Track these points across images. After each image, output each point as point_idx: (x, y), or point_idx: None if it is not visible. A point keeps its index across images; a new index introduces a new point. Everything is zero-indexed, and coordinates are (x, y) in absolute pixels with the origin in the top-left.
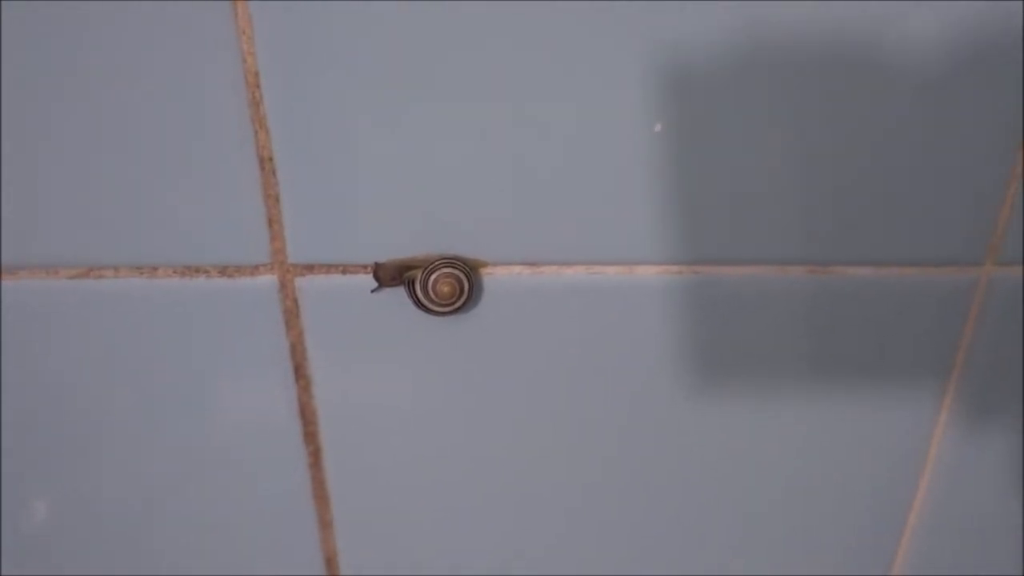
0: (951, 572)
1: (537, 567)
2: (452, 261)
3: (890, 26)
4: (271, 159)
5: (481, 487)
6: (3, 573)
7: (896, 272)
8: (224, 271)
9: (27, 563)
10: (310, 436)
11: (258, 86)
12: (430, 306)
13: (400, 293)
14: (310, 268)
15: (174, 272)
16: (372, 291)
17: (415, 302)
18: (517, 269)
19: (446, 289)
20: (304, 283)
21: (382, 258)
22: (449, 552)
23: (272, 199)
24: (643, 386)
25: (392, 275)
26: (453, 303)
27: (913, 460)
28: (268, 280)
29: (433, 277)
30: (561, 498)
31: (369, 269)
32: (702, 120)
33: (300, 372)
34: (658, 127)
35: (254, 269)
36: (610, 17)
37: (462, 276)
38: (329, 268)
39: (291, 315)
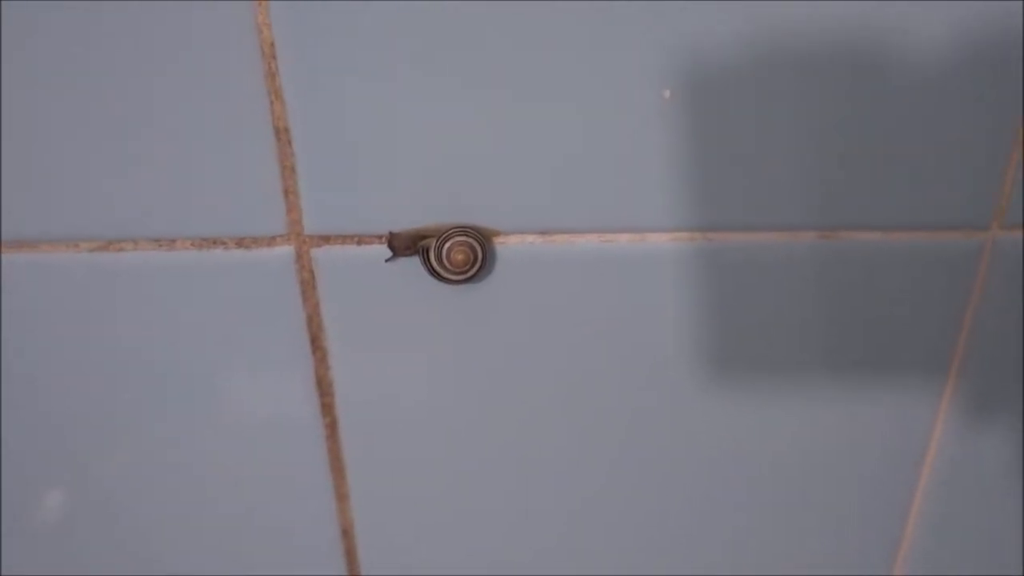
0: (954, 566)
1: (551, 538)
2: (466, 229)
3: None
4: (287, 130)
5: (495, 457)
6: (3, 573)
7: (904, 236)
8: (241, 243)
9: (39, 545)
10: (327, 408)
11: (274, 57)
12: (444, 274)
13: (415, 263)
14: (326, 239)
15: (192, 244)
16: (387, 260)
17: (429, 271)
18: (529, 238)
19: (460, 257)
20: (320, 254)
21: (396, 228)
22: (465, 523)
23: (288, 170)
24: (654, 353)
25: (406, 244)
26: (467, 271)
27: (917, 438)
28: (285, 251)
29: (447, 245)
30: (573, 468)
31: (384, 239)
32: (711, 86)
33: (316, 343)
34: (667, 93)
35: (271, 240)
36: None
37: (476, 244)
38: (344, 239)
39: (307, 286)
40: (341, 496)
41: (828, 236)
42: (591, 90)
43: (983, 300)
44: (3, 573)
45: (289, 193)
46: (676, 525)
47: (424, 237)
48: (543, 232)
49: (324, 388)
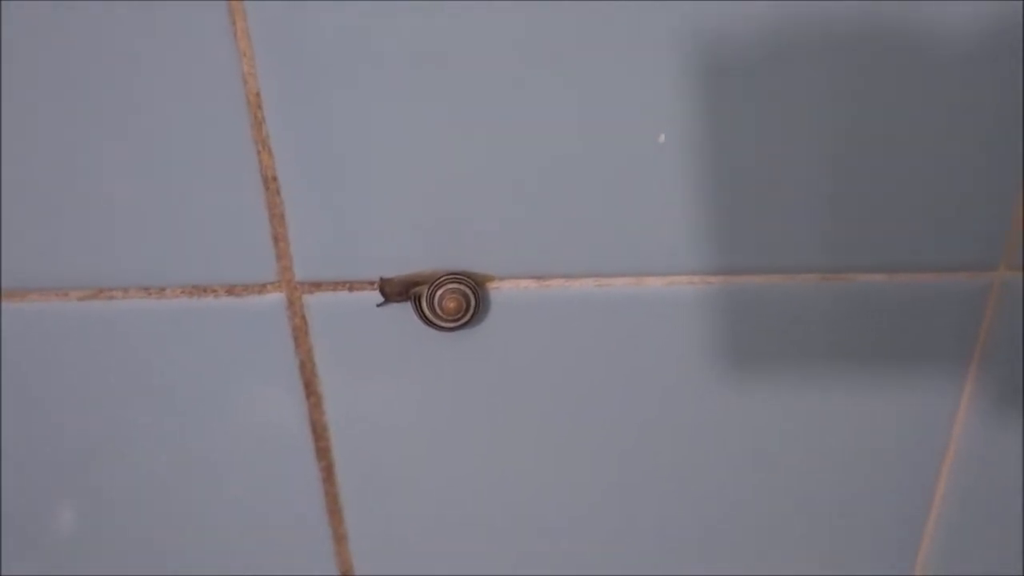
0: (975, 568)
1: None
2: (458, 276)
3: (896, 35)
4: (275, 179)
5: (492, 501)
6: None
7: (909, 278)
8: (232, 290)
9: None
10: (322, 452)
11: (260, 107)
12: (436, 322)
13: (407, 308)
14: (317, 285)
15: (182, 292)
16: (378, 305)
17: (422, 318)
18: (524, 283)
19: (452, 305)
20: (312, 300)
21: (389, 274)
22: (463, 565)
23: (277, 218)
24: (653, 399)
25: (398, 291)
26: (459, 319)
27: (931, 465)
28: (276, 298)
29: (439, 293)
30: (572, 514)
31: (376, 285)
32: (709, 129)
33: (311, 389)
34: (662, 138)
35: (262, 287)
36: (615, 27)
37: (468, 292)
38: (336, 285)
39: (300, 332)
40: (339, 538)
41: (831, 279)
42: (584, 134)
43: (991, 340)
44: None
45: (279, 240)
46: (683, 532)
47: (417, 283)
48: (538, 277)
49: (319, 432)
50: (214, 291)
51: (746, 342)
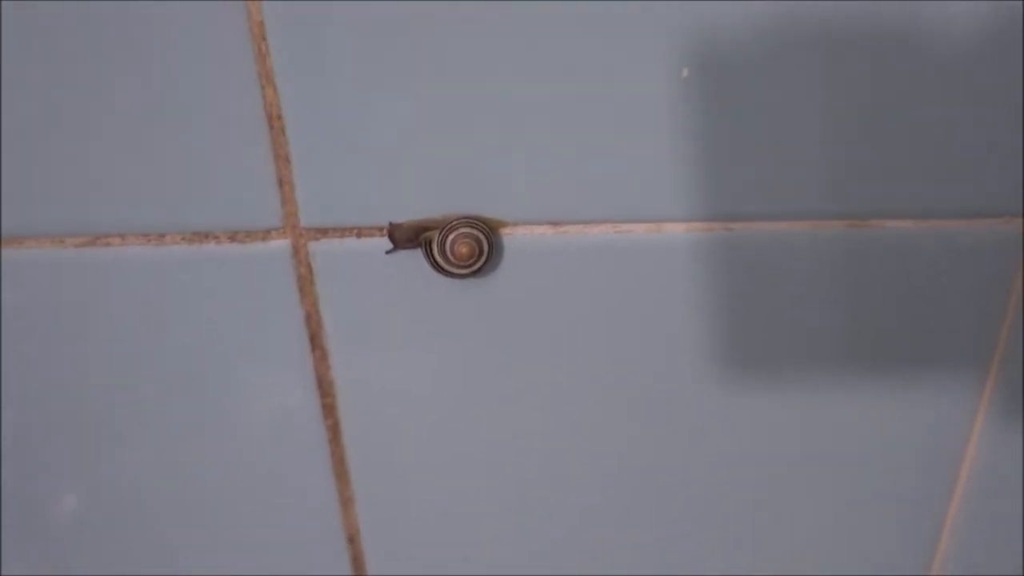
0: (992, 568)
1: (561, 538)
2: (471, 221)
3: None
4: (280, 117)
5: (503, 456)
6: (5, 572)
7: (939, 224)
8: (234, 236)
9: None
10: (328, 409)
11: (264, 38)
12: (448, 268)
13: (417, 256)
14: (324, 232)
15: (182, 239)
16: (387, 252)
17: (432, 264)
18: (539, 229)
19: (464, 250)
20: (318, 247)
21: (398, 219)
22: (472, 525)
23: (282, 159)
24: (671, 349)
25: (408, 236)
26: (472, 264)
27: (956, 436)
28: (280, 245)
29: (451, 238)
30: (585, 467)
31: (385, 231)
32: (731, 69)
33: (316, 342)
34: (685, 72)
35: (266, 234)
36: None
37: (481, 236)
38: (343, 231)
39: (305, 281)
40: (346, 501)
41: (856, 225)
42: (603, 74)
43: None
44: (4, 572)
45: (284, 184)
46: (701, 524)
47: (427, 229)
48: (554, 223)
49: (325, 389)
50: (215, 237)
51: (766, 293)
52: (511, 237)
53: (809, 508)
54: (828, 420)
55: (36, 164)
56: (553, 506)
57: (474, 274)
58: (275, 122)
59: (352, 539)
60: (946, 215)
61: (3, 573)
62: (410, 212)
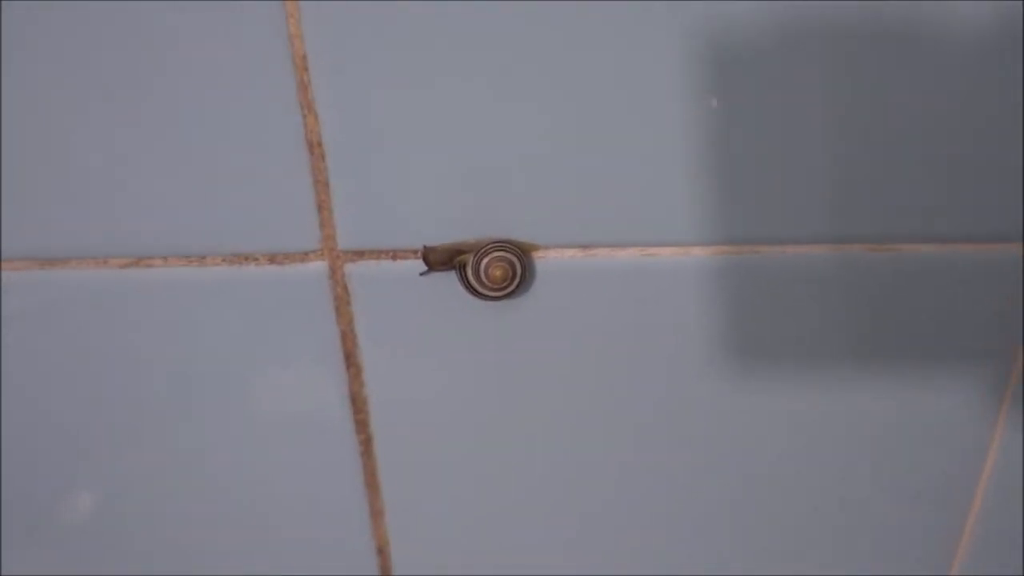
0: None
1: (588, 555)
2: (504, 244)
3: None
4: (320, 144)
5: (532, 474)
6: (6, 572)
7: (957, 248)
8: (274, 259)
9: (67, 554)
10: (361, 425)
11: (306, 69)
12: (482, 290)
13: (450, 279)
14: (360, 254)
15: (223, 260)
16: (421, 274)
17: (466, 287)
18: (569, 252)
19: (498, 273)
20: (354, 269)
21: (431, 242)
22: (502, 540)
23: (322, 184)
24: (699, 369)
25: (442, 259)
26: (505, 287)
27: (973, 455)
28: (318, 267)
29: (485, 261)
30: (613, 486)
31: (419, 254)
32: (756, 97)
33: (351, 360)
34: (714, 102)
35: (304, 256)
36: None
37: (514, 259)
38: (379, 254)
39: (341, 302)
40: (376, 513)
41: (876, 249)
42: (632, 101)
43: None
44: (5, 572)
45: (323, 208)
46: (721, 530)
47: (461, 252)
48: (583, 246)
49: (359, 405)
50: (255, 259)
51: (789, 312)
52: (543, 260)
53: (828, 511)
54: (849, 434)
55: (82, 187)
56: (584, 523)
57: (507, 296)
58: (315, 149)
59: (381, 550)
60: (965, 239)
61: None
62: (444, 236)
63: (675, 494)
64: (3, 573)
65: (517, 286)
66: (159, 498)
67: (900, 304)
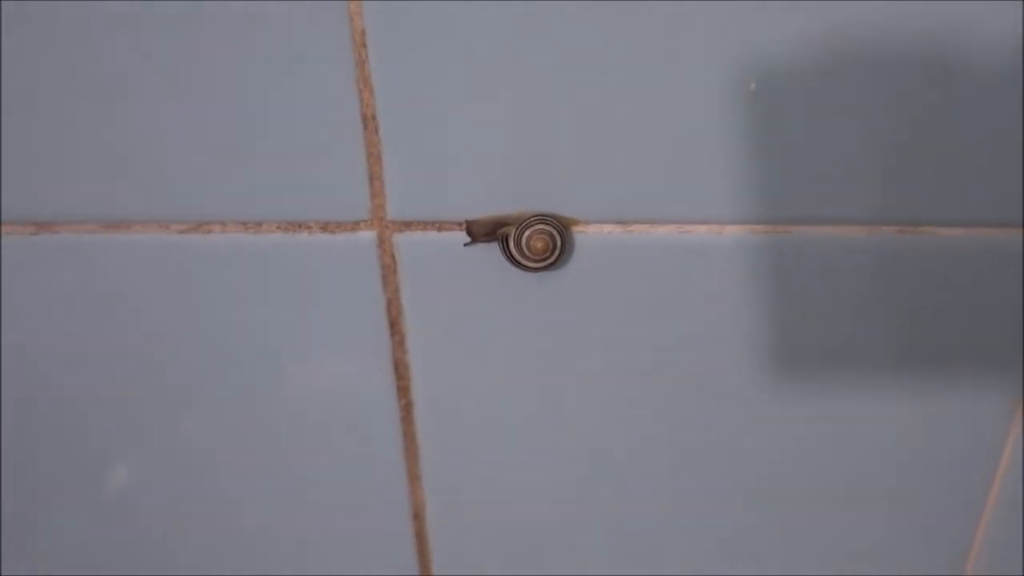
0: None
1: (623, 525)
2: (545, 218)
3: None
4: (374, 118)
5: (568, 444)
6: (6, 572)
7: (987, 232)
8: (326, 227)
9: (107, 525)
10: (403, 390)
11: (364, 45)
12: (523, 261)
13: (493, 251)
14: (408, 225)
15: (278, 227)
16: (465, 245)
17: (508, 257)
18: (608, 227)
19: (540, 245)
20: (402, 239)
21: (476, 215)
22: (536, 509)
23: (374, 157)
24: (731, 346)
25: (486, 231)
26: (546, 259)
27: (994, 438)
28: (368, 236)
29: (527, 233)
30: (646, 457)
31: (462, 226)
32: (794, 78)
33: (395, 327)
34: (752, 85)
35: (355, 225)
36: None
37: (555, 232)
38: (426, 225)
39: (388, 271)
40: (414, 477)
41: (908, 231)
42: (672, 81)
43: None
44: (5, 572)
45: (374, 179)
46: (742, 520)
47: (504, 224)
48: (622, 222)
49: (401, 371)
50: (308, 227)
51: (821, 294)
52: (582, 234)
53: (844, 509)
54: (869, 420)
55: (146, 155)
56: (618, 492)
57: (547, 268)
58: (369, 122)
59: (417, 515)
60: (995, 224)
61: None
62: (488, 209)
63: (700, 468)
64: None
65: (557, 258)
66: (197, 458)
67: (927, 288)
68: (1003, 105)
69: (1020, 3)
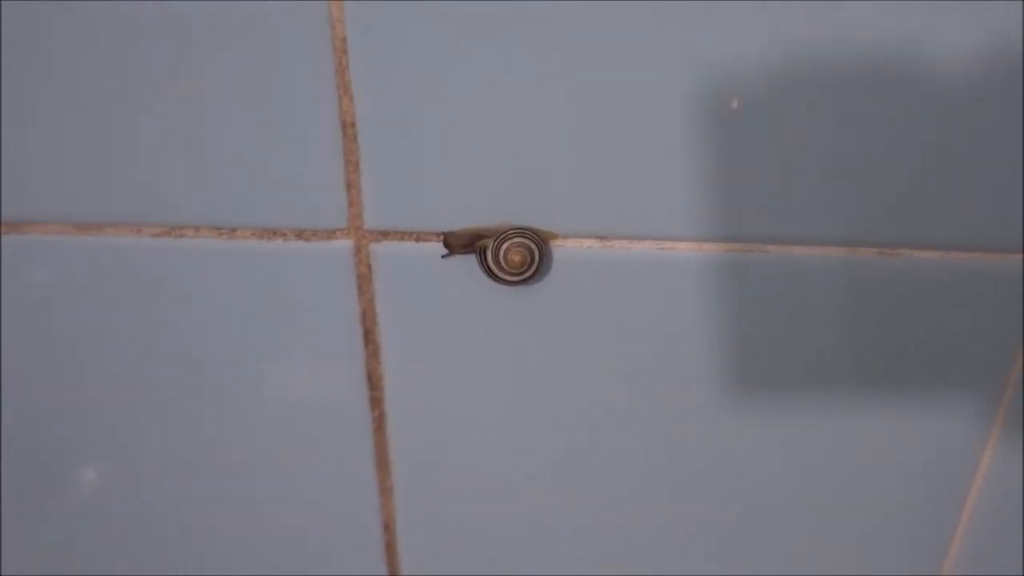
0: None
1: (594, 538)
2: (524, 231)
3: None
4: (353, 125)
5: (542, 457)
6: (5, 572)
7: (962, 257)
8: (301, 234)
9: (76, 528)
10: (375, 401)
11: (345, 52)
12: (500, 275)
13: (470, 263)
14: (385, 234)
15: (252, 234)
16: (443, 257)
17: (486, 271)
18: (587, 242)
19: (517, 258)
20: (378, 249)
21: (454, 226)
22: (507, 524)
23: (352, 165)
24: (708, 364)
25: (464, 243)
26: (523, 272)
27: (967, 461)
28: (344, 245)
29: (505, 246)
30: (620, 473)
31: (439, 237)
32: (773, 97)
33: (369, 337)
34: (735, 103)
35: (331, 233)
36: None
37: (533, 246)
38: (403, 235)
39: (364, 280)
40: (385, 490)
41: (886, 253)
42: (653, 98)
43: None
44: (4, 572)
45: (352, 187)
46: (716, 535)
47: (482, 236)
48: (601, 237)
49: (374, 382)
50: (283, 234)
51: (797, 313)
52: (561, 248)
53: (819, 524)
54: (845, 439)
55: (119, 157)
56: (590, 507)
57: (524, 282)
58: (348, 129)
59: (388, 527)
60: (971, 247)
61: (3, 573)
62: (467, 220)
63: (671, 482)
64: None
65: (535, 272)
66: (167, 466)
67: (901, 309)
68: (980, 130)
69: (1003, 25)
